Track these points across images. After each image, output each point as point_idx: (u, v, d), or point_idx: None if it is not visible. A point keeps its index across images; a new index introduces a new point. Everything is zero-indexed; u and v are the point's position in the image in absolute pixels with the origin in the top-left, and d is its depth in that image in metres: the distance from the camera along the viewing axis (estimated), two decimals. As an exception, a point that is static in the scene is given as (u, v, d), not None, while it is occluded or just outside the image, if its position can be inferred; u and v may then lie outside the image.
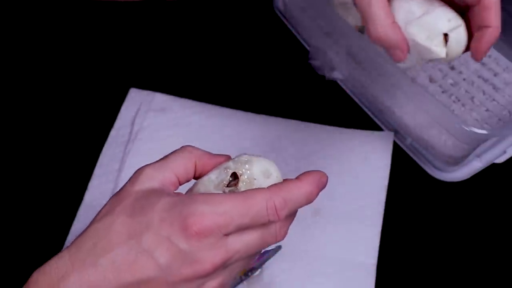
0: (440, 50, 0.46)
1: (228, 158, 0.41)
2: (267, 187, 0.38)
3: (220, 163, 0.40)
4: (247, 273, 0.55)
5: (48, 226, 0.59)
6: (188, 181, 0.41)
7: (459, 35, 0.45)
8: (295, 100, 0.69)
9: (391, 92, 0.63)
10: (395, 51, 0.45)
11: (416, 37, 0.46)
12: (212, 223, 0.36)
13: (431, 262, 0.58)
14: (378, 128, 0.66)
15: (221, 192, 0.39)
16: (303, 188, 0.38)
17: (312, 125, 0.65)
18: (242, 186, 0.38)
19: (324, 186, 0.40)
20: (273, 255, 0.56)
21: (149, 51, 0.73)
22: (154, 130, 0.64)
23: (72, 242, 0.38)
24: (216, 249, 0.36)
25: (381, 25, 0.44)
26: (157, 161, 0.40)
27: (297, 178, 0.39)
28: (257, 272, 0.56)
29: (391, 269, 0.57)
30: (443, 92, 0.66)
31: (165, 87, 0.68)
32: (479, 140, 0.57)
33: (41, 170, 0.63)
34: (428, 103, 0.58)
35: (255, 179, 0.39)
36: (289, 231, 0.57)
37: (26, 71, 0.71)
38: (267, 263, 0.56)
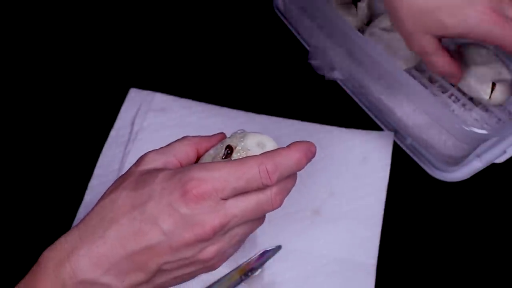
0: (484, 92, 0.59)
1: (224, 135, 0.45)
2: (260, 154, 0.40)
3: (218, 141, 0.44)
4: (247, 273, 0.55)
5: (48, 226, 0.59)
6: (189, 164, 0.43)
7: (504, 86, 0.59)
8: (295, 100, 0.69)
9: (391, 92, 0.62)
10: (451, 78, 0.57)
11: (470, 77, 0.60)
12: (210, 186, 0.38)
13: (431, 262, 0.58)
14: (378, 128, 0.66)
15: None
16: (292, 155, 0.40)
17: (312, 125, 0.65)
18: (236, 156, 0.42)
19: (313, 155, 0.42)
20: (273, 255, 0.56)
21: (149, 51, 0.73)
22: (154, 130, 0.64)
23: (80, 220, 0.40)
24: (215, 212, 0.38)
25: (439, 66, 0.54)
26: (160, 148, 0.43)
27: (287, 146, 0.41)
28: (257, 272, 0.56)
29: (391, 269, 0.57)
30: (443, 92, 0.66)
31: (165, 87, 0.68)
32: (479, 140, 0.57)
33: (42, 170, 0.63)
34: (428, 103, 0.58)
35: (249, 149, 0.42)
36: (289, 231, 0.58)
37: (26, 71, 0.71)
38: (267, 263, 0.56)
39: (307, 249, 0.57)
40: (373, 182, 0.61)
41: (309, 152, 0.42)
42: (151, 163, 0.42)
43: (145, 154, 0.43)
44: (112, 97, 0.67)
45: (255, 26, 0.75)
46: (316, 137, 0.64)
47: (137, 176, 0.41)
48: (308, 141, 0.42)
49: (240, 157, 0.42)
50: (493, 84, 0.60)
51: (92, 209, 0.40)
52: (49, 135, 0.65)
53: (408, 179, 0.63)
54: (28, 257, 0.57)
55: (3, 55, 0.72)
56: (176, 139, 0.64)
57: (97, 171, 0.62)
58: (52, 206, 0.60)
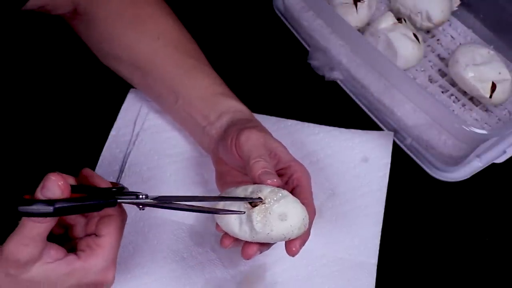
0: (484, 92, 0.60)
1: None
2: None
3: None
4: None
5: (48, 226, 0.59)
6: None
7: (504, 86, 0.61)
8: (295, 100, 0.69)
9: (391, 92, 0.63)
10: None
11: (470, 77, 0.61)
12: None
13: (431, 261, 0.58)
14: (378, 128, 0.66)
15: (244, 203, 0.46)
16: None
17: (312, 125, 0.65)
18: (257, 210, 0.45)
19: None
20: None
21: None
22: (154, 132, 0.64)
23: None
24: None
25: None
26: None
27: None
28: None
29: (392, 268, 0.57)
30: (443, 92, 0.66)
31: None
32: (479, 140, 0.57)
33: (42, 170, 0.63)
34: (428, 103, 0.58)
35: (270, 214, 0.45)
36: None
37: (27, 71, 0.71)
38: (269, 264, 0.56)
39: (307, 249, 0.57)
40: (373, 182, 0.61)
41: None
42: None
43: None
44: (112, 97, 0.67)
45: (255, 26, 0.75)
46: (316, 137, 0.64)
47: None
48: None
49: (259, 213, 0.45)
50: (493, 84, 0.60)
51: None
52: (50, 135, 0.65)
53: (408, 179, 0.63)
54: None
55: (4, 55, 0.72)
56: (176, 140, 0.64)
57: (98, 171, 0.62)
58: (53, 206, 0.60)
